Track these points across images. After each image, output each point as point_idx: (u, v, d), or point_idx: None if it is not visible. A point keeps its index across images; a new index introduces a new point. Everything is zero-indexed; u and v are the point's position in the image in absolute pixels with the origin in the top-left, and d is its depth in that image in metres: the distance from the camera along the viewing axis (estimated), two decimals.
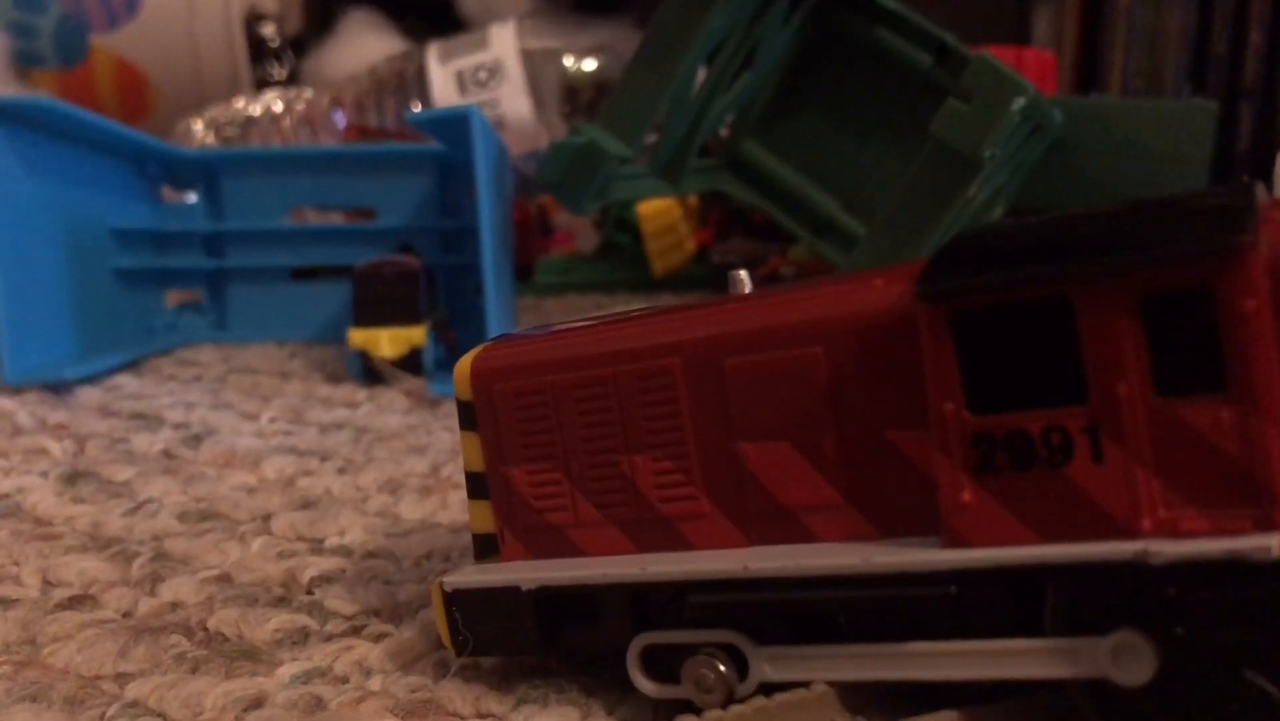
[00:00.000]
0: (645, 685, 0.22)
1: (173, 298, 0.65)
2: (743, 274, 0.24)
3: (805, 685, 0.21)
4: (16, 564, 0.31)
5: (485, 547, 0.25)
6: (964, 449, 0.19)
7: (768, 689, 0.21)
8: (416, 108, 0.80)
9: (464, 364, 0.25)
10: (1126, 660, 0.18)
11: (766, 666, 0.21)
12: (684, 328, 0.22)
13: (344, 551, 0.32)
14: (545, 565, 0.24)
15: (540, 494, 0.24)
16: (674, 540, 0.23)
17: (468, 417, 0.24)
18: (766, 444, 0.22)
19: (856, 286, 0.21)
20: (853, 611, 0.20)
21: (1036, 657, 0.19)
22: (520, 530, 0.24)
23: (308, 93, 0.84)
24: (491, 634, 0.24)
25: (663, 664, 0.22)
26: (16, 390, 0.50)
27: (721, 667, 0.21)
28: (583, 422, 0.23)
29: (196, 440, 0.43)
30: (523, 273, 0.77)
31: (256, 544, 0.33)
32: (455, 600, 0.24)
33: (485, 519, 0.25)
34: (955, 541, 0.19)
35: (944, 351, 0.19)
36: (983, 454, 0.19)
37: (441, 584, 0.24)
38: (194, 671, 0.25)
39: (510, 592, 0.23)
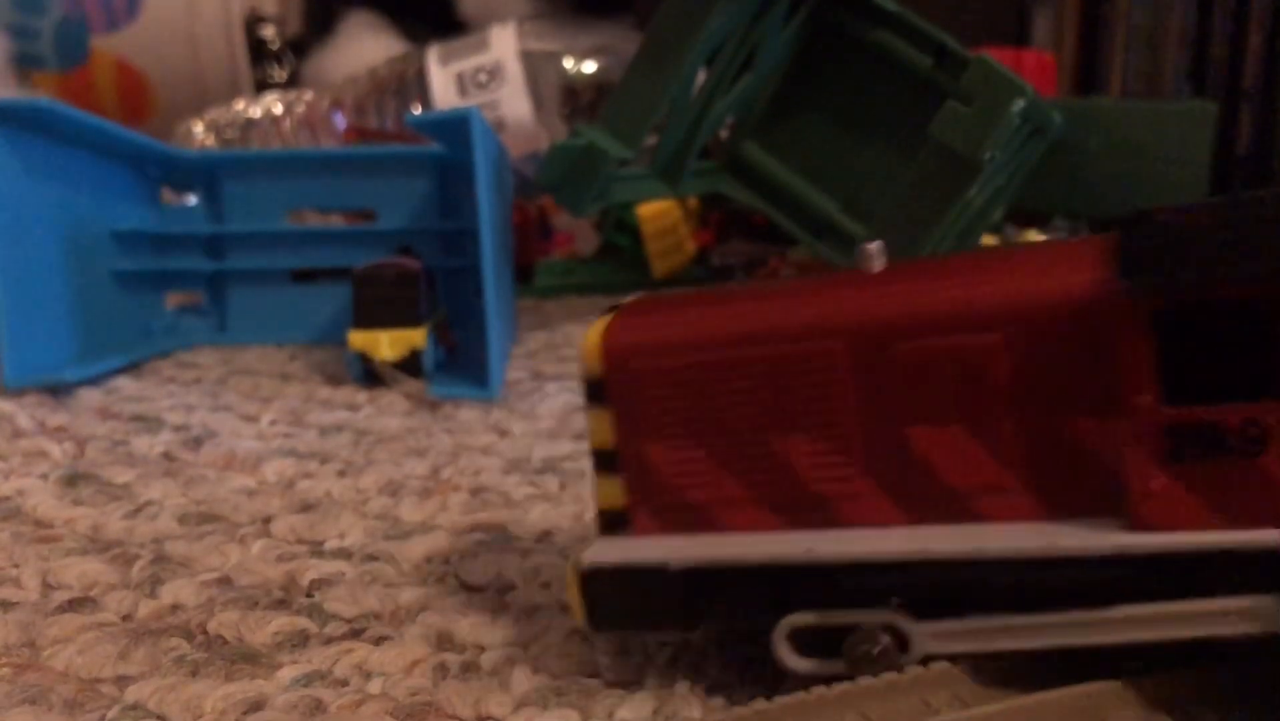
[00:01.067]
0: (797, 663, 0.22)
1: (173, 300, 0.65)
2: (873, 247, 0.23)
3: (817, 684, 0.21)
4: (16, 566, 0.31)
5: (612, 523, 0.25)
6: (1156, 439, 0.19)
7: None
8: (417, 110, 0.80)
9: (593, 339, 0.24)
10: None
11: (930, 641, 0.21)
12: (847, 309, 0.22)
13: (344, 554, 0.32)
14: (689, 542, 0.23)
15: (680, 470, 0.24)
16: (825, 518, 0.23)
17: (598, 394, 0.24)
18: (935, 426, 0.22)
19: (1037, 269, 0.21)
20: (1032, 592, 0.20)
21: (1224, 617, 0.19)
22: (655, 507, 0.24)
23: (308, 95, 0.84)
24: (630, 610, 0.23)
25: (803, 641, 0.22)
26: (16, 392, 0.50)
27: (884, 642, 0.21)
28: (732, 401, 0.23)
29: (196, 442, 0.43)
30: (523, 274, 0.77)
31: (256, 546, 0.33)
32: (593, 578, 0.23)
33: (614, 495, 0.24)
34: (1143, 526, 0.19)
35: (1143, 345, 0.19)
36: (1175, 444, 0.19)
37: (578, 562, 0.23)
38: (194, 674, 0.25)
39: (656, 571, 0.23)
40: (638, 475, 0.24)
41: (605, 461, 0.24)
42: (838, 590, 0.22)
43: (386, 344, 0.51)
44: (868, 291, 0.22)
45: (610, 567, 0.23)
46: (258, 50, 1.06)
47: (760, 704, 0.21)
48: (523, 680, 0.25)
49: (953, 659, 0.21)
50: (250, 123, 0.82)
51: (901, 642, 0.21)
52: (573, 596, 0.24)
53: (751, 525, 0.23)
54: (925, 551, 0.21)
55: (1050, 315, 0.21)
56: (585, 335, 0.24)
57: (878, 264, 0.23)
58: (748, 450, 0.23)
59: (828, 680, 0.21)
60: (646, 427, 0.24)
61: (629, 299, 0.26)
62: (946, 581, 0.21)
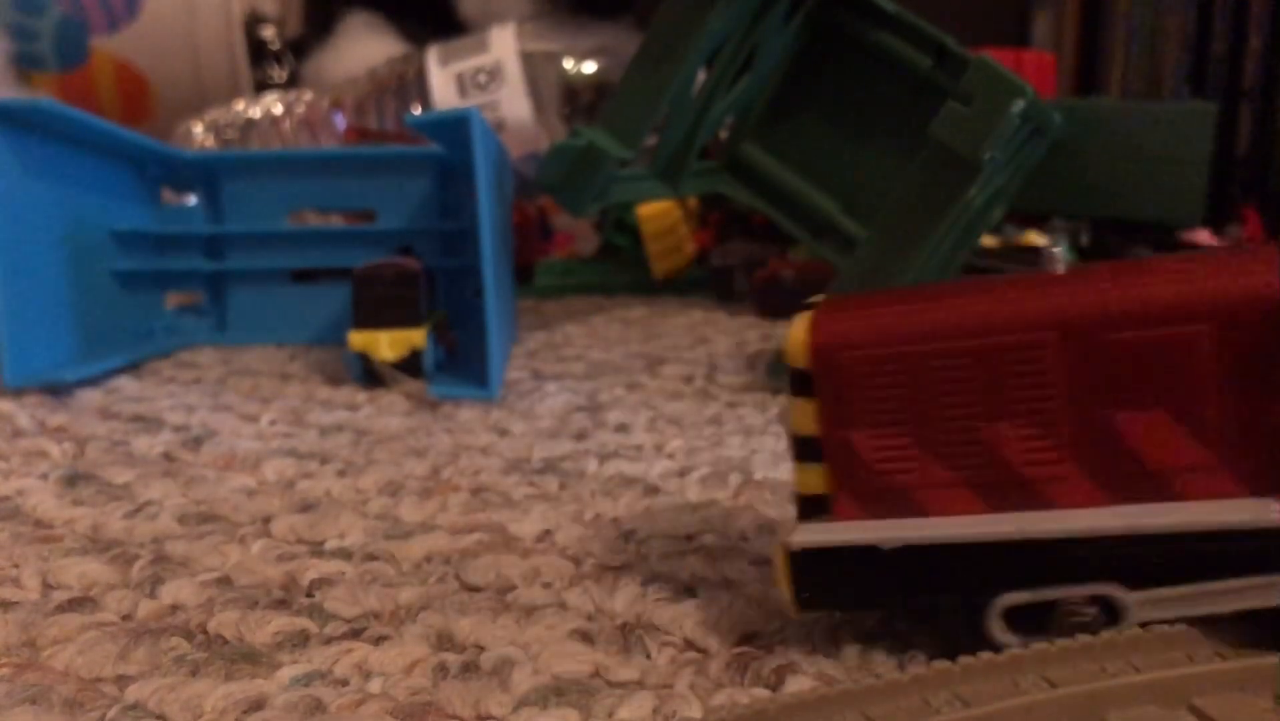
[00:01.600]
0: (1009, 639, 0.23)
1: (173, 300, 0.65)
2: (1057, 251, 0.26)
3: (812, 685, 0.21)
4: (16, 566, 0.31)
5: (812, 508, 0.26)
6: None
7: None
8: (416, 110, 0.80)
9: (799, 333, 0.25)
10: None
11: (1143, 610, 0.23)
12: (1057, 303, 0.24)
13: (344, 554, 0.32)
14: (896, 524, 0.25)
15: (885, 457, 0.25)
16: (1031, 500, 0.24)
17: (803, 385, 0.25)
18: (1140, 412, 0.23)
19: (1236, 269, 0.23)
20: (1239, 560, 0.22)
21: None
22: (858, 491, 0.25)
23: (308, 95, 0.84)
24: (840, 590, 0.25)
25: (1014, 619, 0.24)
26: (16, 392, 0.50)
27: (1093, 613, 0.23)
28: (942, 390, 0.24)
29: (196, 442, 0.43)
30: (523, 274, 0.77)
31: (256, 546, 0.33)
32: (802, 559, 0.25)
33: (816, 481, 0.25)
34: None
35: None
36: None
37: (787, 544, 0.25)
38: (194, 674, 0.25)
39: (868, 552, 0.24)
40: (842, 461, 0.25)
41: (807, 449, 0.25)
42: (1050, 566, 0.23)
43: (386, 344, 0.51)
44: (1074, 288, 0.24)
45: (821, 548, 0.25)
46: (258, 51, 1.06)
47: (761, 703, 0.21)
48: (522, 680, 0.25)
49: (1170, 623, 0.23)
50: (250, 123, 0.82)
51: (1112, 613, 0.23)
52: (781, 577, 0.25)
53: (956, 508, 0.24)
54: (1137, 526, 0.23)
55: (1254, 308, 0.22)
56: (789, 332, 0.25)
57: (1060, 267, 0.25)
58: (955, 436, 0.24)
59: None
60: (853, 416, 0.25)
61: (820, 298, 0.27)
62: (1156, 554, 0.23)
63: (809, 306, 0.26)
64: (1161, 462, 0.23)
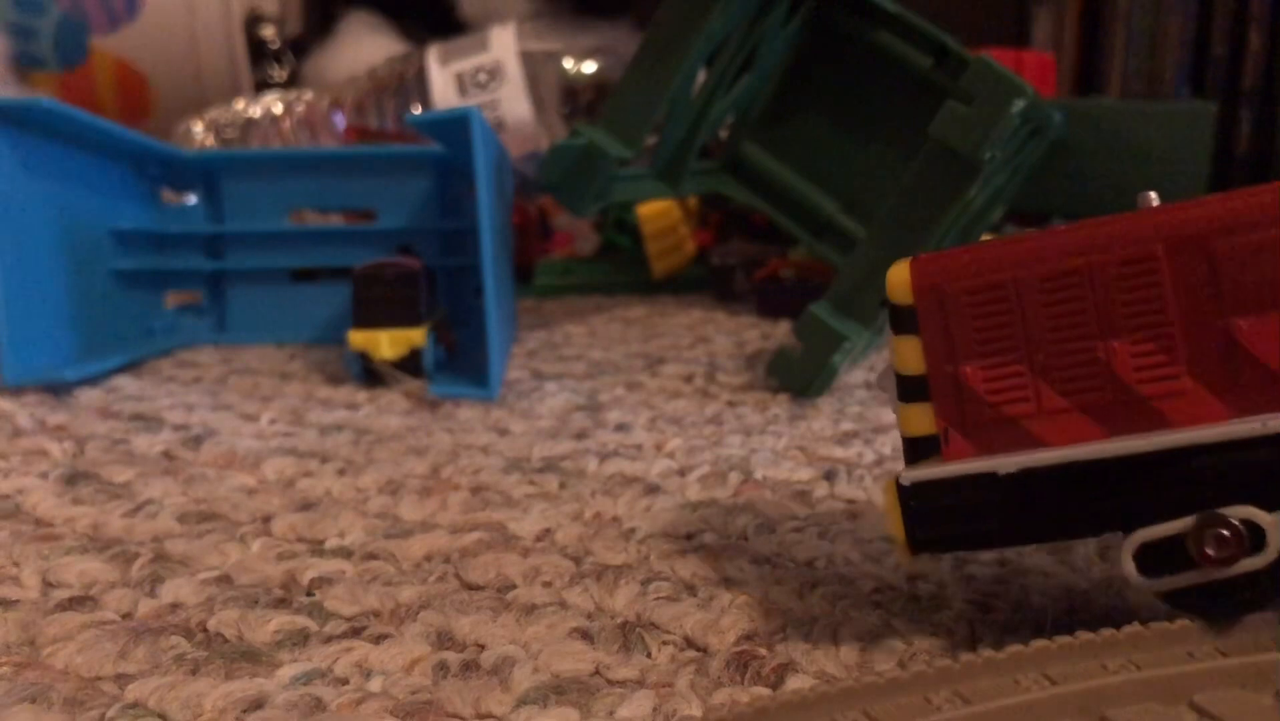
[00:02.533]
0: (1140, 580, 0.23)
1: (172, 299, 0.65)
2: (1153, 195, 0.25)
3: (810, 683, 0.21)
4: (16, 565, 0.31)
5: (921, 450, 0.25)
6: None
7: None
8: (416, 109, 0.80)
9: (900, 272, 0.25)
10: None
11: None
12: (1163, 218, 0.23)
13: (344, 552, 0.32)
14: (1016, 454, 0.24)
15: (997, 387, 0.24)
16: (1151, 420, 0.23)
17: (907, 321, 0.25)
18: (1259, 316, 0.23)
19: None
20: None
21: None
22: (970, 426, 0.25)
23: (308, 94, 0.84)
24: (956, 526, 0.24)
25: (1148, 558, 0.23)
26: (16, 391, 0.50)
27: (1235, 539, 0.22)
28: (1051, 312, 0.24)
29: (196, 441, 0.43)
30: (523, 274, 0.77)
31: (256, 545, 0.33)
32: (915, 494, 0.24)
33: (923, 420, 0.25)
34: None
35: None
36: None
37: (898, 479, 0.24)
38: (194, 672, 0.25)
39: (984, 480, 0.24)
40: (951, 397, 0.25)
41: (913, 388, 0.25)
42: (1181, 489, 0.23)
43: (386, 343, 0.51)
44: (1177, 208, 0.23)
45: (934, 482, 0.24)
46: (257, 50, 1.06)
47: (761, 701, 0.21)
48: (523, 678, 0.25)
49: None
50: (250, 122, 0.82)
51: (1256, 537, 0.22)
52: (892, 518, 0.24)
53: (1075, 435, 0.24)
54: (1273, 428, 0.22)
55: None
56: (890, 275, 0.25)
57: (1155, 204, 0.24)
58: (1068, 359, 0.24)
59: (1175, 596, 0.23)
60: (960, 348, 0.24)
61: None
62: None
63: (922, 256, 0.26)
64: None
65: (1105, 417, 0.24)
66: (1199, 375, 0.23)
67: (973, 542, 0.25)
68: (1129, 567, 0.23)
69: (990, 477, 0.24)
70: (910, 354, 0.25)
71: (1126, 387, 0.23)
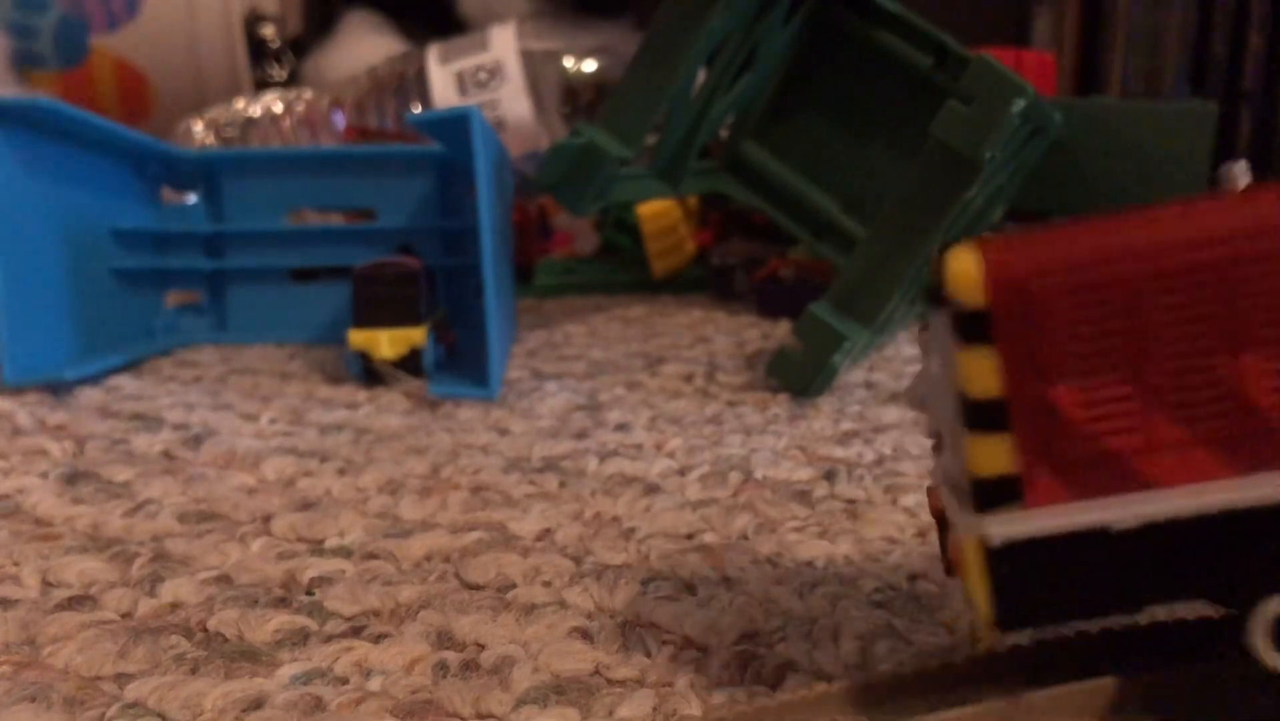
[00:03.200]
0: (1274, 659, 0.19)
1: (173, 298, 0.65)
2: (1239, 166, 0.22)
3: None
4: (16, 564, 0.31)
5: (996, 495, 0.19)
6: None
7: None
8: (416, 109, 0.80)
9: (965, 263, 0.19)
10: None
11: None
12: None
13: (344, 552, 0.32)
14: (1121, 502, 0.19)
15: (1098, 415, 0.19)
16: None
17: (979, 330, 0.19)
18: None
19: None
20: None
21: None
22: (1061, 464, 0.19)
23: (308, 94, 0.84)
24: (1058, 594, 0.20)
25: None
26: (16, 390, 0.50)
27: None
28: (1166, 319, 0.19)
29: (196, 441, 0.43)
30: (523, 274, 0.77)
31: (256, 545, 0.33)
32: (1008, 558, 0.19)
33: (1000, 457, 0.19)
34: None
35: None
36: None
37: (986, 538, 0.19)
38: (194, 672, 0.25)
39: (1094, 538, 0.19)
40: (1037, 426, 0.19)
41: (988, 416, 0.19)
42: None
43: (386, 343, 0.51)
44: None
45: (1032, 541, 0.19)
46: (258, 49, 1.06)
47: (760, 701, 0.21)
48: (522, 678, 0.25)
49: None
50: (250, 121, 0.82)
51: None
52: (977, 587, 0.20)
53: (1195, 474, 0.19)
54: None
55: None
56: (949, 265, 0.19)
57: (1243, 182, 0.22)
58: (1187, 379, 0.19)
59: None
60: (1052, 365, 0.19)
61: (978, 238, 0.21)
62: None
63: (990, 240, 0.20)
64: None
65: (1233, 451, 0.19)
66: None
67: (1077, 614, 0.20)
68: (1259, 640, 0.19)
69: (1101, 535, 0.19)
70: (982, 371, 0.19)
71: (1260, 414, 0.19)
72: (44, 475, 0.39)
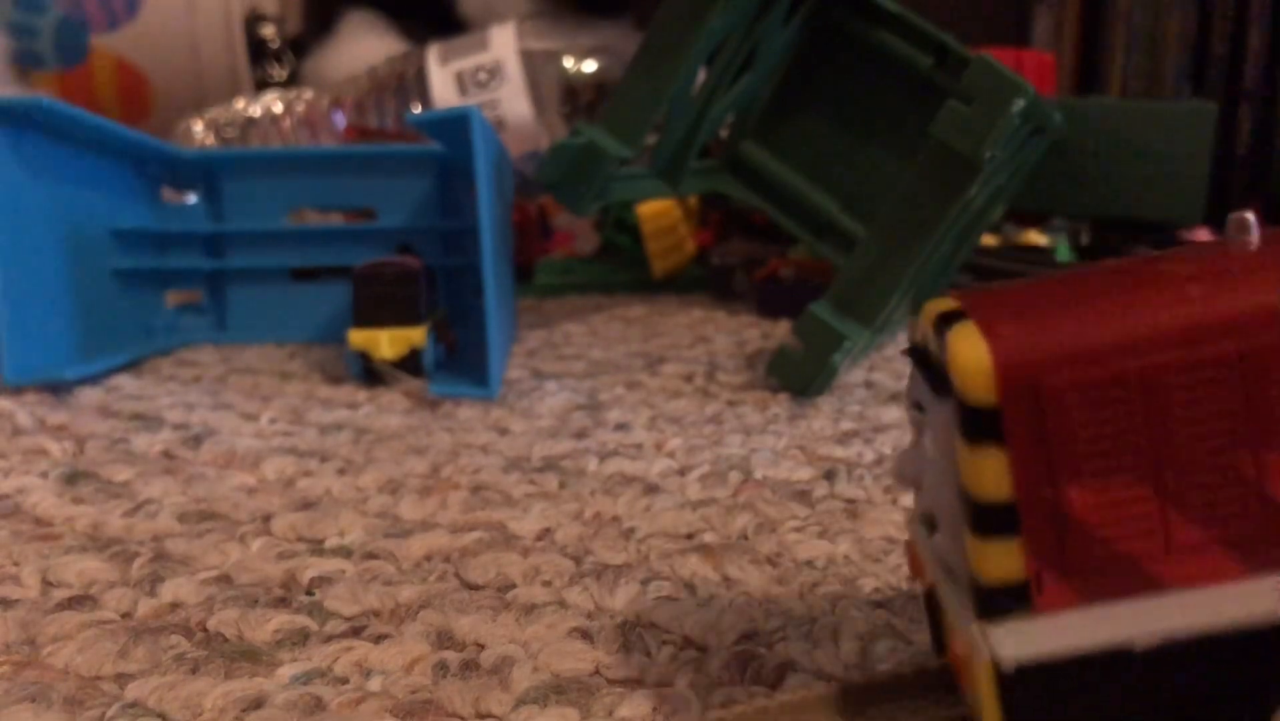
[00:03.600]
0: None
1: (173, 298, 0.65)
2: (1249, 217, 0.19)
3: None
4: (16, 564, 0.31)
5: (1002, 602, 0.18)
6: None
7: None
8: (416, 109, 0.80)
9: (974, 354, 0.18)
10: None
11: None
12: None
13: (344, 552, 0.32)
14: (1135, 610, 0.18)
15: (1112, 517, 0.18)
16: None
17: (990, 428, 0.18)
18: None
19: None
20: None
21: None
22: (1072, 570, 0.18)
23: (308, 93, 0.84)
24: (1073, 716, 0.18)
25: None
26: (16, 390, 0.50)
27: None
28: (1188, 416, 0.18)
29: (196, 441, 0.43)
30: (523, 273, 0.77)
31: (256, 544, 0.33)
32: (1021, 682, 0.18)
33: (1009, 562, 0.18)
34: None
35: None
36: None
37: (998, 662, 0.18)
38: (194, 672, 0.25)
39: (1115, 659, 0.18)
40: (1047, 530, 0.18)
41: (997, 520, 0.18)
42: None
43: (386, 342, 0.51)
44: None
45: (1050, 666, 0.18)
46: (258, 49, 1.06)
47: (760, 701, 0.21)
48: (522, 678, 0.25)
49: None
50: (250, 121, 0.82)
51: None
52: (988, 707, 0.18)
53: (1209, 576, 0.18)
54: None
55: None
56: (953, 350, 0.18)
57: (1254, 237, 0.19)
58: (1206, 478, 0.18)
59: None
60: (1066, 465, 0.18)
61: (955, 297, 0.20)
62: None
63: (947, 315, 0.19)
64: None
65: (1249, 553, 0.18)
66: None
67: None
68: None
69: (1123, 655, 0.18)
70: (991, 473, 0.18)
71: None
72: (44, 475, 0.39)
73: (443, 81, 0.79)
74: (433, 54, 0.81)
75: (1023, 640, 0.18)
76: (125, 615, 0.28)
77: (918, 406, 0.20)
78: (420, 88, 0.80)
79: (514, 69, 0.78)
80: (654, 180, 0.62)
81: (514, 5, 1.10)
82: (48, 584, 0.30)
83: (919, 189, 0.47)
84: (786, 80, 0.64)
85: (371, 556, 0.32)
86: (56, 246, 0.54)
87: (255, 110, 0.83)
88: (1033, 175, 0.61)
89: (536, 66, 0.80)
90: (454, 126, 0.51)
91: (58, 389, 0.50)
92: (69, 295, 0.55)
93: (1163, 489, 0.18)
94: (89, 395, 0.50)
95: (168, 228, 0.63)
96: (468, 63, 0.79)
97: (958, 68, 0.56)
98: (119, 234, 0.59)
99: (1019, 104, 0.45)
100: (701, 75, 0.58)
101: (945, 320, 0.19)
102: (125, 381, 0.53)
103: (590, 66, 0.81)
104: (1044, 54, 0.82)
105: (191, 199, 0.64)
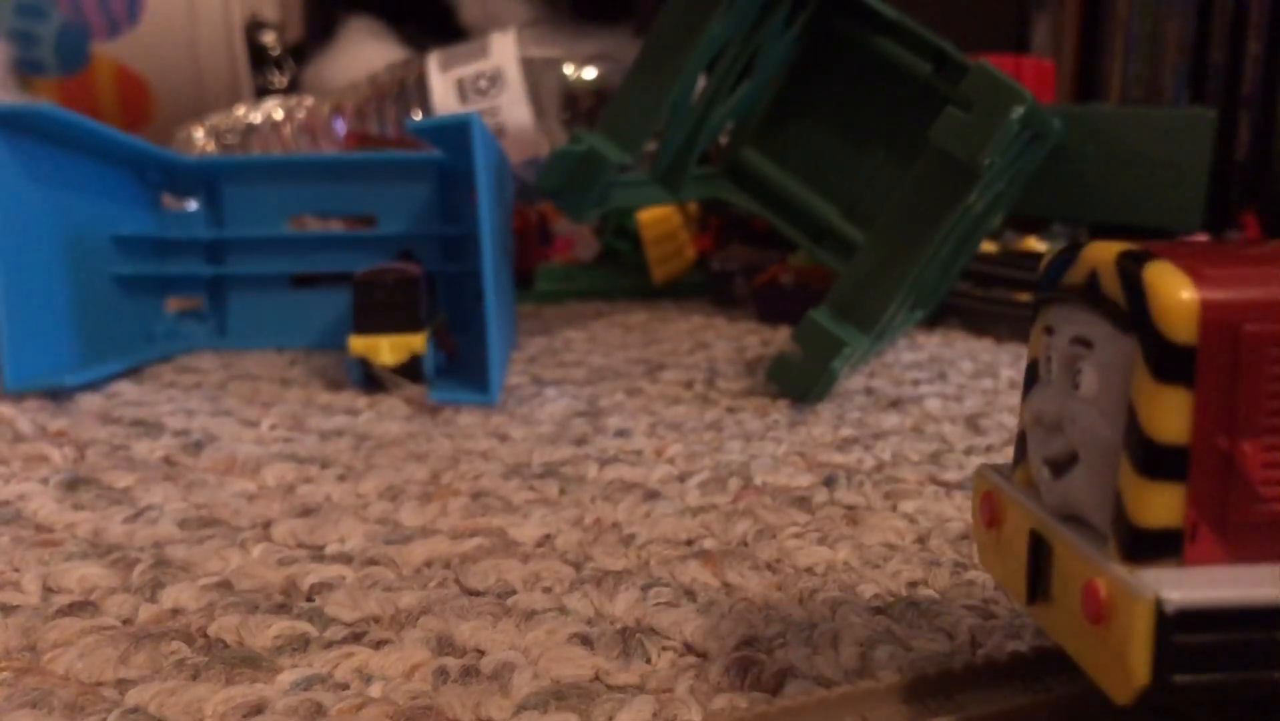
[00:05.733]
0: None
1: (173, 304, 0.65)
2: None
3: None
4: (17, 570, 0.31)
5: (1154, 547, 0.18)
6: None
7: None
8: (417, 115, 0.80)
9: (1177, 288, 0.17)
10: None
11: None
12: None
13: (344, 558, 0.32)
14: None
15: (1277, 477, 0.18)
16: None
17: (1181, 368, 0.18)
18: None
19: None
20: None
21: None
22: (1231, 524, 0.18)
23: (308, 100, 0.84)
24: (1228, 673, 0.18)
25: None
26: (17, 397, 0.50)
27: None
28: None
29: (197, 447, 0.43)
30: (523, 280, 0.78)
31: (257, 550, 0.33)
32: (1182, 625, 0.17)
33: (1171, 508, 0.18)
34: None
35: None
36: None
37: (1160, 600, 0.17)
38: (194, 677, 0.25)
39: (1268, 616, 0.17)
40: (1213, 480, 0.18)
41: (1169, 463, 0.18)
42: None
43: (387, 349, 0.51)
44: None
45: (1215, 611, 0.17)
46: (258, 56, 1.07)
47: (760, 707, 0.21)
48: (523, 684, 0.25)
49: None
50: (251, 128, 0.82)
51: None
52: (1135, 649, 0.17)
53: None
54: None
55: None
56: (1154, 284, 0.18)
57: None
58: None
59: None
60: (1248, 417, 0.18)
61: (1149, 244, 0.19)
62: None
63: (1136, 255, 0.18)
64: None
65: None
66: None
67: (1243, 691, 0.18)
68: None
69: (1272, 612, 0.17)
70: (1173, 413, 0.18)
71: None
72: (45, 481, 0.39)
73: (443, 88, 0.79)
74: (433, 61, 0.81)
75: (1183, 585, 0.17)
76: (126, 621, 0.28)
77: (1081, 341, 0.20)
78: (421, 95, 0.80)
79: (514, 76, 0.78)
80: (654, 187, 0.62)
81: (514, 13, 1.10)
82: (49, 590, 0.30)
83: (918, 195, 0.47)
84: (786, 87, 0.64)
85: (372, 562, 0.32)
86: (57, 253, 0.54)
87: (256, 117, 0.83)
88: (1032, 182, 0.61)
89: (537, 73, 0.80)
90: (455, 133, 0.51)
91: (58, 395, 0.50)
92: (70, 301, 0.55)
93: None
94: (89, 401, 0.50)
95: (168, 234, 0.63)
96: (468, 70, 0.79)
97: (957, 74, 0.56)
98: (120, 240, 0.59)
99: (1018, 111, 0.45)
100: (701, 82, 0.59)
101: (1135, 258, 0.18)
102: (126, 388, 0.53)
103: (590, 74, 0.81)
104: (1043, 61, 0.82)
105: (192, 205, 0.64)
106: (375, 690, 0.25)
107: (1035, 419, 0.21)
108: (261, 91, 1.06)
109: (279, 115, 0.83)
